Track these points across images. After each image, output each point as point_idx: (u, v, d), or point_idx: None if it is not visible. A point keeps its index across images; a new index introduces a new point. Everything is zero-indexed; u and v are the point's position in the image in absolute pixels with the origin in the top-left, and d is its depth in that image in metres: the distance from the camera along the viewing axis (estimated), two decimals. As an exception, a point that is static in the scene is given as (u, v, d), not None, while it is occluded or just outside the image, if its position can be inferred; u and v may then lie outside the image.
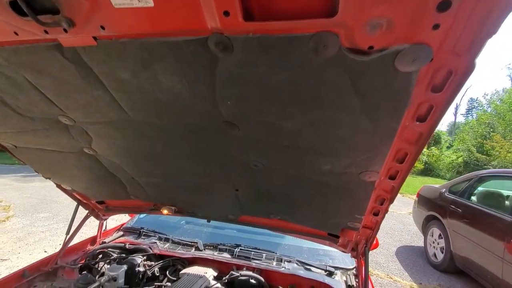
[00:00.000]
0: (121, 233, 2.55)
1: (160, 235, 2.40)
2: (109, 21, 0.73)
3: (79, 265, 2.08)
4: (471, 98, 49.66)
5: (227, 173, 1.42)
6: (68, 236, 2.08)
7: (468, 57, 0.61)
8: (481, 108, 27.35)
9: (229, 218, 1.91)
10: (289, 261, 2.04)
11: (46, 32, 0.80)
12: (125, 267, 1.91)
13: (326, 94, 0.77)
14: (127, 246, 2.24)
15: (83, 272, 2.06)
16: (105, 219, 2.41)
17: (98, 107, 1.14)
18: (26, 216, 6.15)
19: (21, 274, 1.79)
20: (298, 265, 2.02)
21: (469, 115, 47.09)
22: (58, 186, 1.95)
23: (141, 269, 2.00)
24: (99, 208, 2.25)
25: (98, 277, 1.84)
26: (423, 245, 5.55)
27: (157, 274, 2.03)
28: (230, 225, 2.45)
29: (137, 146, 1.38)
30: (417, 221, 5.75)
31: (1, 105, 1.21)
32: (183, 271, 1.97)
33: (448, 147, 24.27)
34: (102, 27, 0.76)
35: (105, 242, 2.36)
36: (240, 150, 1.20)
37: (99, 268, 2.08)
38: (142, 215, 2.81)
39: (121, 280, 1.86)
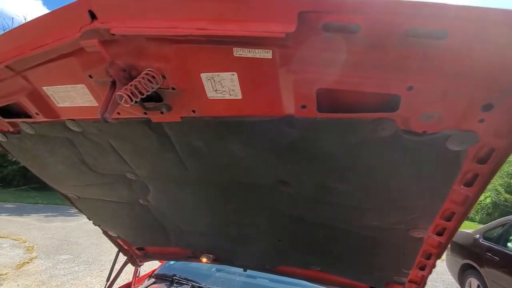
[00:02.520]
0: (153, 280, 2.57)
1: (193, 283, 2.40)
2: (201, 108, 0.91)
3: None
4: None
5: (272, 225, 1.50)
6: (108, 283, 2.13)
7: (507, 139, 0.72)
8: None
9: (266, 267, 1.93)
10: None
11: (145, 113, 0.99)
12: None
13: (381, 164, 0.89)
14: (161, 294, 2.25)
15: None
16: (141, 265, 2.46)
17: (165, 166, 1.29)
18: (49, 257, 6.20)
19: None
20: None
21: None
22: (105, 232, 2.07)
23: (176, 320, 1.99)
24: (138, 255, 2.32)
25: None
26: (461, 298, 5.10)
27: (192, 326, 2.01)
28: (262, 274, 2.42)
29: (190, 199, 1.50)
30: (452, 270, 5.37)
31: (80, 164, 1.39)
32: (219, 323, 1.95)
33: (472, 186, 23.13)
34: (193, 111, 0.93)
35: (138, 290, 2.38)
36: (289, 205, 1.30)
37: (133, 318, 2.09)
38: (172, 261, 2.83)
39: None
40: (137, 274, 2.55)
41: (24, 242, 7.32)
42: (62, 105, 1.06)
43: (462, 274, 5.03)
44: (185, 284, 2.43)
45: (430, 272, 1.36)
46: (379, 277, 1.55)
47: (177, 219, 1.72)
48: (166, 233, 1.92)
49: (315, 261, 1.68)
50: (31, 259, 6.08)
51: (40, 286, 4.78)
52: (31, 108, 1.07)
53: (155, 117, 1.00)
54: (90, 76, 0.88)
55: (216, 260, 2.02)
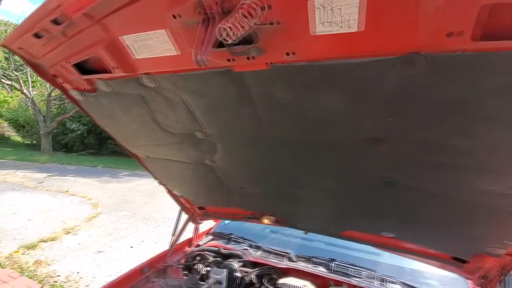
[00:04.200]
0: (211, 237, 2.70)
1: (250, 242, 2.48)
2: (301, 48, 0.77)
3: (182, 265, 2.26)
4: None
5: (348, 188, 1.40)
6: (174, 238, 2.27)
7: None
8: None
9: (330, 231, 1.88)
10: (393, 282, 1.90)
11: (228, 60, 0.88)
12: (226, 271, 2.01)
13: None
14: (221, 250, 2.36)
15: (185, 272, 2.23)
16: (200, 223, 2.59)
17: (239, 123, 1.22)
18: (111, 213, 6.97)
19: (141, 270, 2.01)
20: None
21: None
22: (169, 191, 2.16)
23: (239, 274, 2.07)
24: (198, 213, 2.42)
25: (201, 279, 1.98)
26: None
27: (254, 282, 2.09)
28: (319, 237, 2.40)
29: (259, 160, 1.44)
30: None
31: (151, 122, 1.38)
32: (281, 281, 1.99)
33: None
34: (287, 54, 0.80)
35: (199, 245, 2.52)
36: (376, 167, 1.17)
37: (198, 270, 2.23)
38: (227, 221, 2.94)
39: (224, 284, 1.97)
40: (196, 232, 2.70)
41: (90, 199, 8.29)
42: (139, 57, 1.00)
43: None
44: (242, 242, 2.52)
45: None
46: (467, 247, 1.40)
47: (242, 179, 1.70)
48: (228, 193, 1.93)
49: (390, 227, 1.57)
50: (97, 214, 6.89)
51: (108, 237, 5.43)
52: (109, 61, 1.03)
53: (239, 64, 0.90)
54: (174, 17, 0.79)
55: (277, 222, 2.01)
